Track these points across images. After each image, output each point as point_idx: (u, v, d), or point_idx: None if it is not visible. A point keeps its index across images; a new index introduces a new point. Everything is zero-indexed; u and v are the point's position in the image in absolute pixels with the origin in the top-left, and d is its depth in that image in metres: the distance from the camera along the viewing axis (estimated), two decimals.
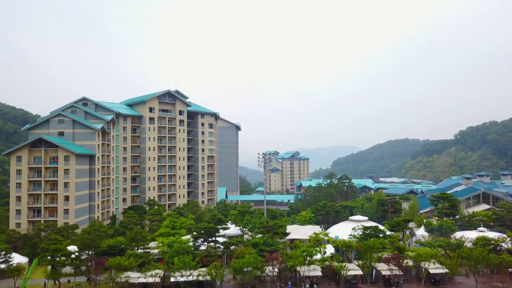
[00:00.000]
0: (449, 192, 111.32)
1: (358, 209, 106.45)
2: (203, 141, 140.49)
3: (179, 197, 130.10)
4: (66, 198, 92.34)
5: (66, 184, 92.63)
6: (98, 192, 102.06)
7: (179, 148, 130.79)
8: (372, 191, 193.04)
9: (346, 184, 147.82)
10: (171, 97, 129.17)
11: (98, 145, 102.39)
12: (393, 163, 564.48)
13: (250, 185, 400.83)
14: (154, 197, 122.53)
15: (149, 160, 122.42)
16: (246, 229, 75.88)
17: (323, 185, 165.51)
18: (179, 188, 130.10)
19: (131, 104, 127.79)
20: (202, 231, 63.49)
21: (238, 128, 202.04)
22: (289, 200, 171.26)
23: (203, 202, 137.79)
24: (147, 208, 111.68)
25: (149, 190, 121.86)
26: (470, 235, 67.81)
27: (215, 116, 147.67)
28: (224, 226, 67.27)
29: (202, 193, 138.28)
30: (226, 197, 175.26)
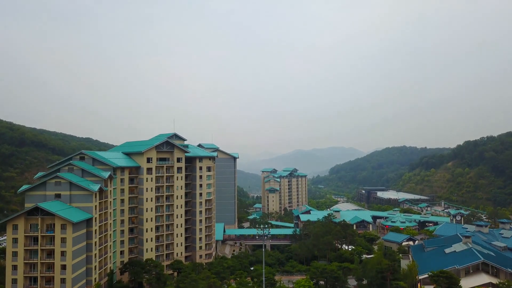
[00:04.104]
0: (447, 250, 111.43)
1: (357, 270, 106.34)
2: (201, 185, 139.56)
3: (177, 246, 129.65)
4: (63, 267, 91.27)
5: (63, 253, 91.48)
6: (95, 254, 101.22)
7: (177, 196, 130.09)
8: (371, 226, 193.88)
9: (346, 229, 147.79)
10: (169, 146, 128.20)
11: (96, 205, 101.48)
12: (391, 172, 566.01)
13: (247, 200, 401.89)
14: (152, 248, 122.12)
15: (146, 211, 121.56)
16: None
17: (321, 220, 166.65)
18: (177, 236, 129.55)
19: (128, 153, 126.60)
20: None
21: (235, 159, 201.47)
22: (286, 236, 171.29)
23: (200, 247, 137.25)
24: (145, 264, 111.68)
25: (146, 241, 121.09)
26: None
27: (213, 158, 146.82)
28: None
29: (200, 239, 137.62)
30: (224, 231, 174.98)
